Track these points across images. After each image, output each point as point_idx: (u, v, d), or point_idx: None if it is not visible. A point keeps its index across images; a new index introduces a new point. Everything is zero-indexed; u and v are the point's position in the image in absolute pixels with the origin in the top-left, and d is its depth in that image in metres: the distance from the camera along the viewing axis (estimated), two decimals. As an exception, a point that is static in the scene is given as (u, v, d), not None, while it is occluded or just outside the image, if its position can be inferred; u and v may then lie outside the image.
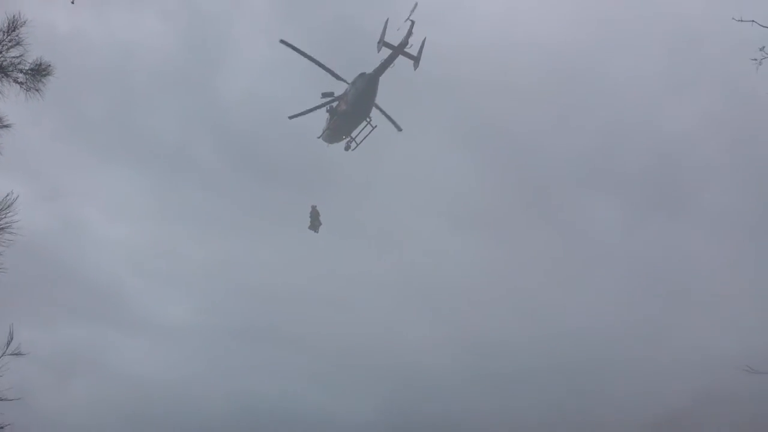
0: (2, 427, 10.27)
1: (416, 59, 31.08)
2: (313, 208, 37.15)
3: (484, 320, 70.91)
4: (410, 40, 30.89)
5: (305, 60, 33.44)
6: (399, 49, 31.03)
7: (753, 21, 14.30)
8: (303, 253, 69.63)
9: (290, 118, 36.25)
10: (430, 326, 73.88)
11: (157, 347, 75.11)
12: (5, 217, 10.49)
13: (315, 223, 36.99)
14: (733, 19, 14.46)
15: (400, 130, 37.56)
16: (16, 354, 10.59)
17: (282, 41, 33.42)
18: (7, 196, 10.84)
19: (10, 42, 10.30)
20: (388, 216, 72.45)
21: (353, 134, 35.11)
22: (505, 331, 69.44)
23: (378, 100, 34.60)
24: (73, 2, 12.16)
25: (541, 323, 69.15)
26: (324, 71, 33.71)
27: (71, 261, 70.62)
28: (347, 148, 35.53)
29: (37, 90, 11.09)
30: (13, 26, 10.21)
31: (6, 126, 12.48)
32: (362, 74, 33.32)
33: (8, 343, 10.49)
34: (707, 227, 72.57)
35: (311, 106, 35.92)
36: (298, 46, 33.32)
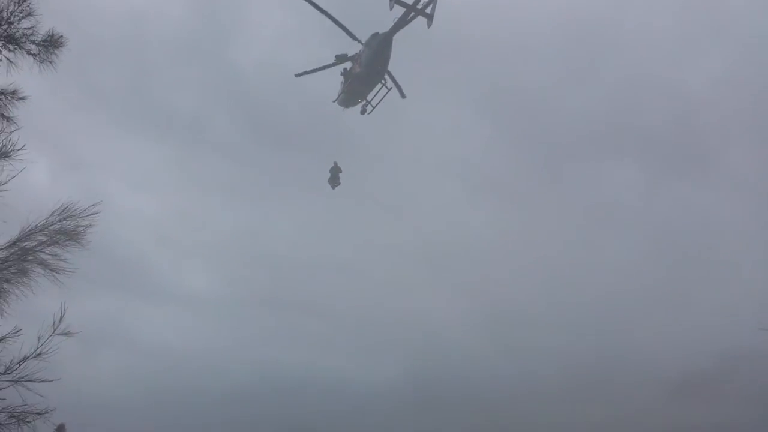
0: (47, 412, 10.22)
1: (430, 17, 30.46)
2: (335, 164, 37.10)
3: (503, 286, 70.98)
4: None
5: (320, 25, 32.92)
6: (412, 7, 30.46)
7: None
8: (323, 222, 70.00)
9: (297, 75, 35.82)
10: (450, 293, 74.24)
11: (180, 318, 76.45)
12: (85, 226, 10.51)
13: (335, 179, 36.98)
14: None
15: (404, 97, 36.77)
16: (65, 334, 10.54)
17: None
18: (93, 205, 10.85)
19: (21, 13, 10.24)
20: (405, 183, 72.26)
21: (368, 97, 34.81)
22: (525, 296, 69.53)
23: (391, 63, 34.05)
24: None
25: (561, 288, 69.09)
26: (339, 30, 33.11)
27: (93, 232, 71.31)
28: (363, 111, 35.23)
29: (50, 62, 11.03)
30: (25, -3, 10.14)
31: (22, 98, 12.50)
32: (375, 34, 32.77)
33: (56, 323, 10.37)
34: (728, 188, 71.53)
35: (327, 71, 35.53)
36: (301, 18, 32.87)
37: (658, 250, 70.53)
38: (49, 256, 10.69)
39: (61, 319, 10.16)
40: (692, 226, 70.76)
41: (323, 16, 32.52)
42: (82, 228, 10.59)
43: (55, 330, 10.13)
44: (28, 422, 10.04)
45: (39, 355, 10.07)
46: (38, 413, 10.08)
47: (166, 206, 79.77)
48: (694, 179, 73.76)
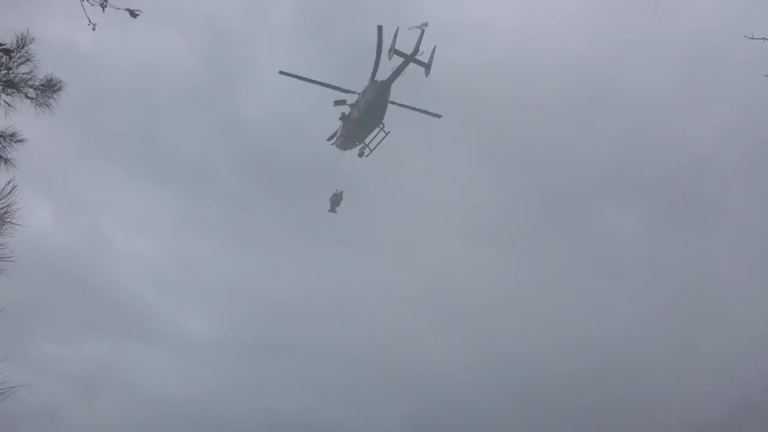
0: None
1: (427, 66, 31.27)
2: (340, 193, 37.39)
3: (506, 335, 70.27)
4: (421, 48, 31.14)
5: (322, 76, 33.61)
6: (410, 57, 31.25)
7: (764, 39, 14.50)
8: (325, 268, 69.89)
9: (281, 73, 35.12)
10: (450, 339, 73.41)
11: (180, 363, 75.57)
12: (5, 206, 10.65)
13: (335, 204, 37.42)
14: (744, 36, 14.63)
15: (439, 117, 36.79)
16: None
17: (281, 72, 34.30)
18: (8, 183, 11.03)
19: (20, 59, 10.61)
20: (405, 228, 72.35)
21: (366, 141, 35.38)
22: (526, 343, 68.69)
23: (395, 113, 34.72)
24: (94, 28, 12.37)
25: (562, 336, 68.29)
26: (340, 79, 33.94)
27: (94, 276, 71.55)
28: (360, 154, 35.74)
29: (47, 105, 11.36)
30: (23, 43, 10.52)
31: (21, 141, 12.83)
32: (374, 81, 33.60)
33: None
34: (733, 238, 71.38)
35: (329, 119, 36.20)
36: (300, 73, 34.14)
37: (663, 299, 69.92)
38: None
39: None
40: (697, 276, 70.34)
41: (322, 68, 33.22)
42: (5, 208, 10.71)
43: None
44: None
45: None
46: None
47: (167, 251, 79.94)
48: (698, 229, 73.72)
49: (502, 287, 71.26)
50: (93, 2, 11.49)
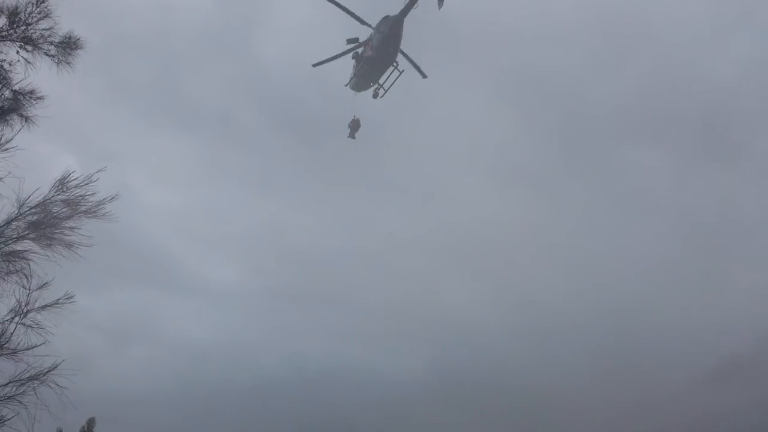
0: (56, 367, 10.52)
1: (440, -1, 30.20)
2: (357, 119, 37.24)
3: (530, 276, 70.38)
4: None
5: (340, 16, 32.63)
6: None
7: None
8: (348, 214, 69.97)
9: (314, 65, 35.69)
10: (475, 283, 73.80)
11: (209, 311, 76.90)
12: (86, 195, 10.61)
13: (354, 131, 37.33)
14: None
15: (425, 77, 36.23)
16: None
17: None
18: (91, 175, 10.91)
19: (39, 14, 10.29)
20: (426, 172, 71.76)
21: (381, 81, 34.62)
22: (553, 285, 68.80)
23: (413, 51, 33.82)
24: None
25: (591, 275, 68.16)
26: (351, 19, 32.92)
27: (120, 227, 71.91)
28: (375, 95, 35.07)
29: (68, 63, 11.08)
30: (41, -1, 10.19)
31: (40, 98, 12.61)
32: (386, 17, 32.49)
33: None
34: (758, 173, 70.13)
35: (347, 60, 35.35)
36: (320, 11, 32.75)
37: (689, 235, 69.34)
38: (59, 230, 10.86)
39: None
40: (722, 211, 69.53)
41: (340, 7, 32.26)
42: (84, 197, 10.70)
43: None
44: (42, 380, 10.22)
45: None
46: (48, 370, 10.27)
47: (192, 200, 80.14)
48: (724, 165, 72.45)
49: (525, 227, 71.14)
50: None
